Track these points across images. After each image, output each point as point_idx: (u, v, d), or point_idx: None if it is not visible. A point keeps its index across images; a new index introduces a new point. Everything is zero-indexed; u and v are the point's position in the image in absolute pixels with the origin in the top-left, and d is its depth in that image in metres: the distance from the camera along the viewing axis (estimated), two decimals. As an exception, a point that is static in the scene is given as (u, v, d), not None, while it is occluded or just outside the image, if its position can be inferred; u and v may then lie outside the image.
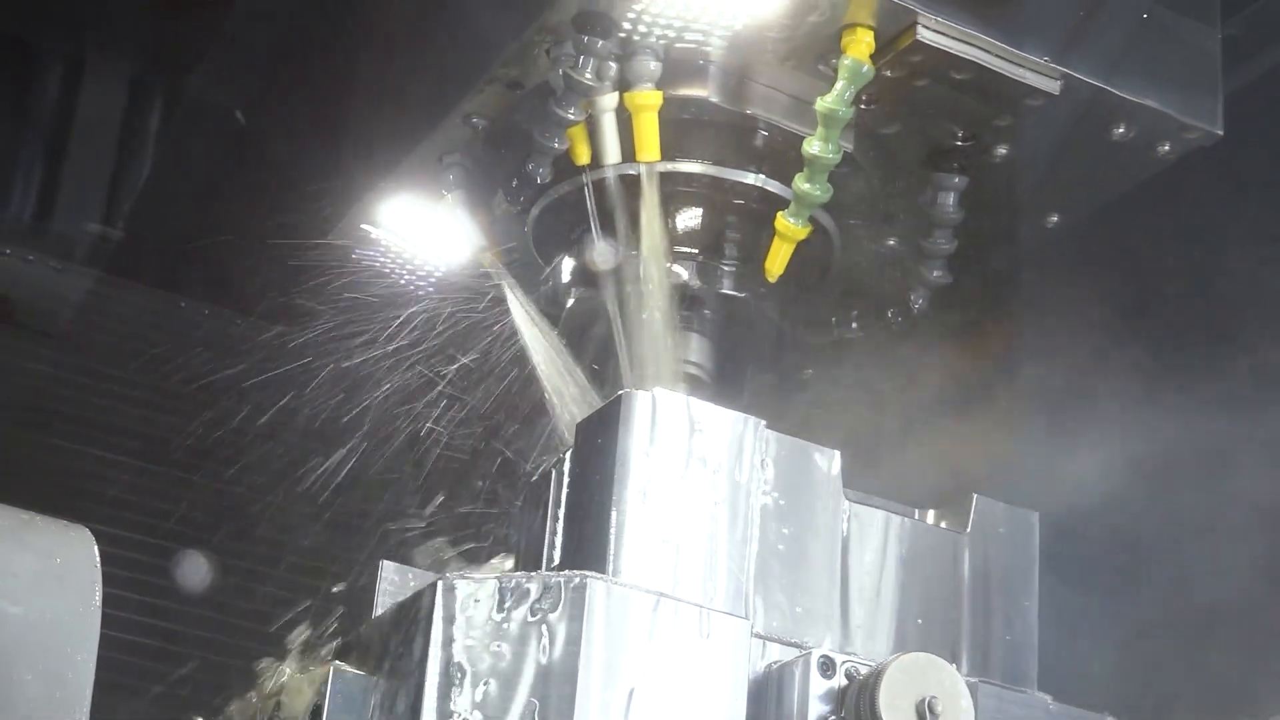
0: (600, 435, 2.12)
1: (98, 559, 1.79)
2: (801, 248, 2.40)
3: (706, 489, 2.10)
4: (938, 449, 2.58)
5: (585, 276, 2.47)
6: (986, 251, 2.58)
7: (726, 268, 2.48)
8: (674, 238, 2.44)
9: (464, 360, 2.66)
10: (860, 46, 2.24)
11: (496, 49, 2.37)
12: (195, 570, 3.65)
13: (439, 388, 2.70)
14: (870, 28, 2.24)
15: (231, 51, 3.76)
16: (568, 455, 2.17)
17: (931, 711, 1.92)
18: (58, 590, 1.77)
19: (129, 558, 3.57)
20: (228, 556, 3.62)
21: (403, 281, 2.75)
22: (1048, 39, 2.30)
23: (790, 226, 2.36)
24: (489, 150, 2.53)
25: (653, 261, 2.39)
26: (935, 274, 2.53)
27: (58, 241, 3.97)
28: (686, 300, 2.45)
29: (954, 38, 2.25)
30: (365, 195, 2.67)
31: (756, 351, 2.53)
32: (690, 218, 2.47)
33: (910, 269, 2.58)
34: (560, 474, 2.17)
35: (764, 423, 2.15)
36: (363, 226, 2.72)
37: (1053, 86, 2.31)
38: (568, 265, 2.53)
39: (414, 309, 2.66)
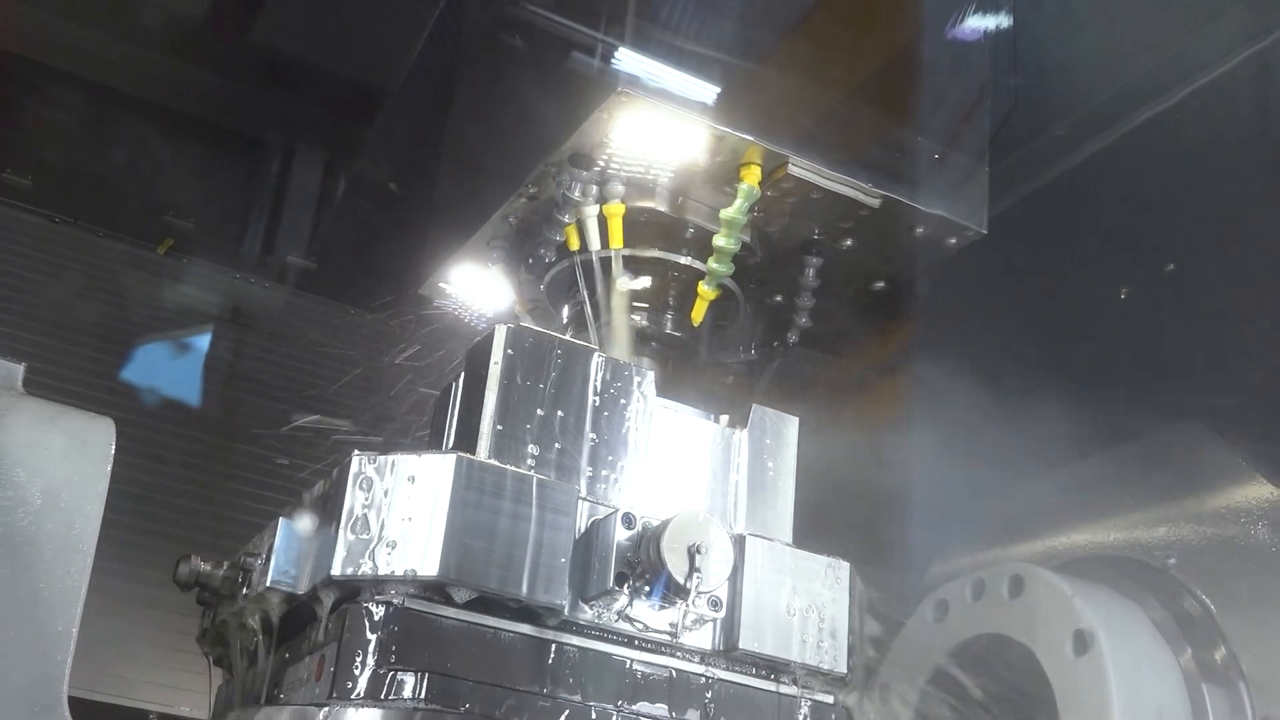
0: (478, 357, 2.13)
1: (113, 440, 1.77)
2: (715, 303, 2.52)
3: (550, 394, 2.09)
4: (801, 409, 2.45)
5: (578, 321, 2.54)
6: (834, 305, 2.67)
7: (666, 315, 2.51)
8: (633, 296, 2.49)
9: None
10: (752, 176, 2.39)
11: (523, 175, 2.47)
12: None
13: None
14: (758, 164, 2.39)
15: (382, 144, 3.86)
16: (462, 373, 2.18)
17: (700, 552, 1.91)
18: (78, 461, 1.72)
19: (305, 479, 3.63)
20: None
21: (466, 320, 2.85)
22: (873, 172, 2.42)
23: (707, 291, 2.50)
24: (518, 238, 2.62)
25: (619, 312, 2.47)
26: (803, 320, 2.62)
27: (271, 269, 4.07)
28: (640, 336, 2.50)
29: (812, 172, 2.38)
30: (442, 263, 2.76)
31: (687, 371, 2.54)
32: (643, 283, 2.51)
33: (786, 316, 2.65)
34: (457, 386, 2.19)
35: (596, 349, 2.17)
36: (440, 284, 2.81)
37: (875, 203, 2.44)
38: (566, 313, 2.58)
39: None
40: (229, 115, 4.08)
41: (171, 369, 3.70)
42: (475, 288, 2.77)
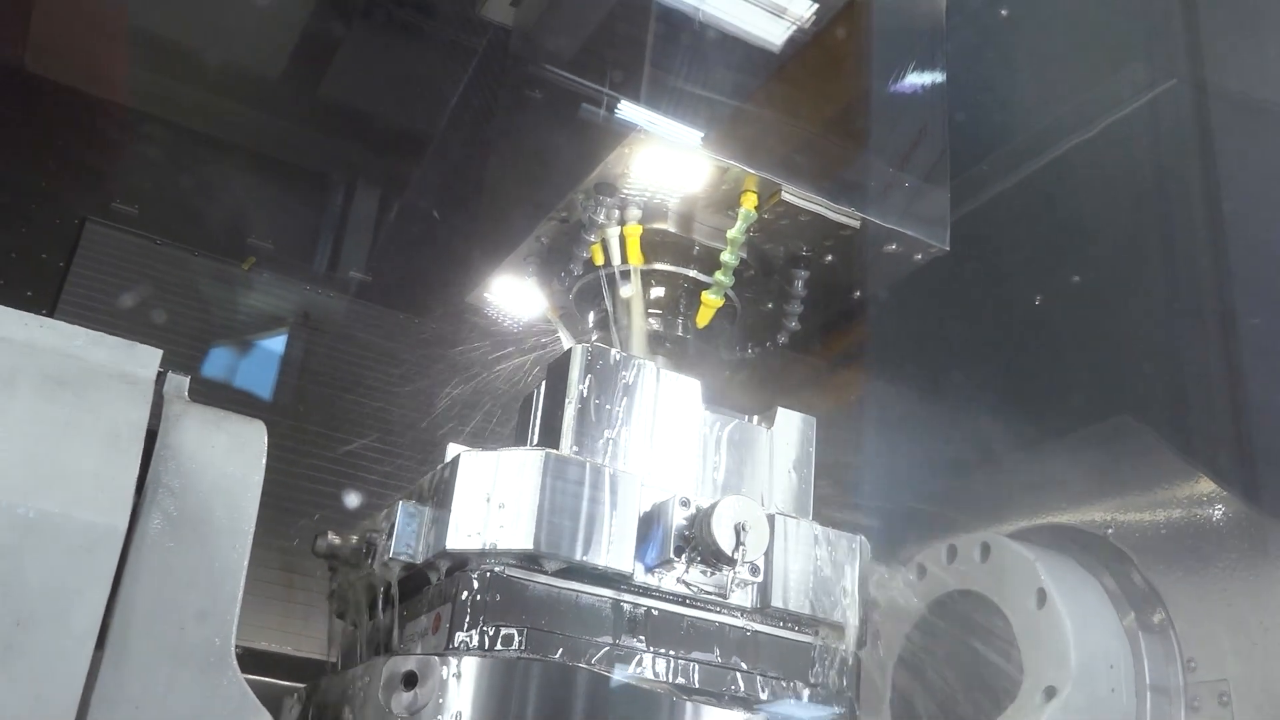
0: (559, 370, 2.24)
1: (265, 439, 1.81)
2: (717, 309, 2.53)
3: (619, 400, 2.18)
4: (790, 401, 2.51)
5: (602, 325, 2.56)
6: (818, 311, 2.70)
7: (676, 320, 2.54)
8: (648, 304, 2.53)
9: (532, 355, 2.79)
10: (750, 201, 2.44)
11: (555, 200, 2.52)
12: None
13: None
14: (755, 191, 2.43)
15: (429, 177, 3.94)
16: (544, 382, 2.29)
17: (744, 530, 1.99)
18: (238, 457, 1.76)
19: (370, 458, 3.67)
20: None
21: (505, 324, 2.88)
22: (853, 198, 2.47)
23: (710, 299, 2.54)
24: (550, 255, 2.66)
25: (636, 317, 2.50)
26: (792, 324, 2.65)
27: (335, 283, 4.11)
28: (655, 338, 2.52)
29: (801, 198, 2.43)
30: (485, 276, 2.78)
31: (695, 367, 2.49)
32: (658, 292, 2.55)
33: (778, 320, 2.68)
34: (539, 393, 2.28)
35: (651, 364, 2.24)
36: (484, 295, 2.81)
37: (855, 223, 2.48)
38: (591, 319, 2.60)
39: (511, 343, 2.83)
40: (300, 155, 4.22)
41: (251, 364, 3.79)
42: (513, 297, 2.81)
